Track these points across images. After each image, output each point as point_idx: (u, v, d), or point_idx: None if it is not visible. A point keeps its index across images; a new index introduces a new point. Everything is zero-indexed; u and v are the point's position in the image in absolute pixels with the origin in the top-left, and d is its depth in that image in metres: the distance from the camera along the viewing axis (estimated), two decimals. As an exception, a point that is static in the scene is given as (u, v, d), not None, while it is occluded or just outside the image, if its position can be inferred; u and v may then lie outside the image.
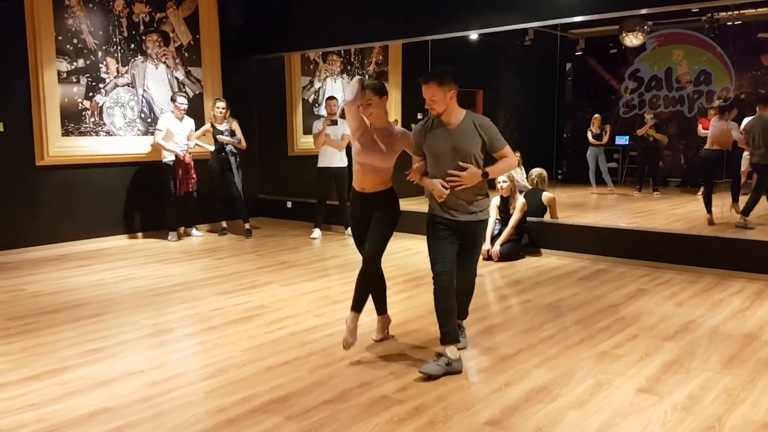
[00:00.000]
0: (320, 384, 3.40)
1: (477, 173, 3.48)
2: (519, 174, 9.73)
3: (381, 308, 4.12)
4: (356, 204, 3.94)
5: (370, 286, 3.90)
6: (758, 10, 9.87)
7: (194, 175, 7.74)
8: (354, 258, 7.15)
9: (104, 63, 7.64)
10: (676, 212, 9.35)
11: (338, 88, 10.19)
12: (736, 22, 10.49)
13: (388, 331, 4.16)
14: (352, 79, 7.95)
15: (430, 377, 3.41)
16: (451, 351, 3.53)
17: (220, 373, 3.58)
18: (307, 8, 8.68)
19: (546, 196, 7.16)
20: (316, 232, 8.03)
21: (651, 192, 11.35)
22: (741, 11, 9.54)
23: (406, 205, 4.12)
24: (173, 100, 7.79)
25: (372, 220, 3.82)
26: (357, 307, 3.84)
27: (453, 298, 3.59)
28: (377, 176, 3.82)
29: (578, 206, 10.06)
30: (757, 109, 7.98)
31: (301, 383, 3.41)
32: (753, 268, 5.66)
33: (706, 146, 8.40)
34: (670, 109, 12.00)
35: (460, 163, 3.47)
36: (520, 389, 3.32)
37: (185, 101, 7.82)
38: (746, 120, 8.24)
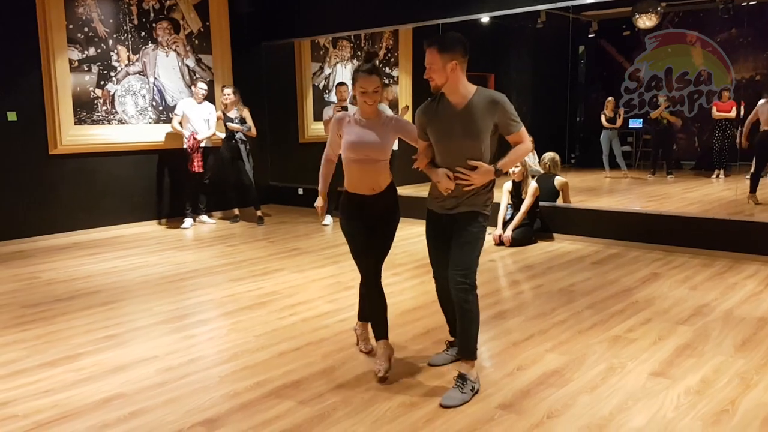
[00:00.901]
0: (333, 369, 3.42)
1: (489, 172, 2.99)
2: (531, 158, 9.68)
3: (382, 331, 3.41)
4: (355, 211, 3.38)
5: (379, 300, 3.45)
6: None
7: (200, 160, 7.75)
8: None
9: (115, 51, 7.65)
10: (690, 195, 9.25)
11: (348, 73, 10.15)
12: (751, 3, 10.32)
13: (391, 363, 3.35)
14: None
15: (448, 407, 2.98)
16: (465, 368, 3.09)
17: (234, 358, 3.60)
18: (316, -6, 8.64)
19: (558, 180, 7.11)
20: (328, 219, 8.04)
21: (665, 175, 11.26)
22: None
23: (415, 191, 4.02)
24: (194, 85, 7.96)
25: (380, 228, 3.36)
26: (363, 315, 3.69)
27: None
28: (379, 173, 3.33)
29: (592, 190, 9.99)
30: None
31: (313, 368, 3.43)
32: (767, 251, 5.61)
33: (763, 127, 8.29)
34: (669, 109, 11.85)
35: (470, 162, 2.98)
36: (532, 373, 3.32)
37: (205, 86, 7.91)
38: None
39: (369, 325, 3.56)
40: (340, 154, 3.46)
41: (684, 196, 9.21)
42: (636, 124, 12.57)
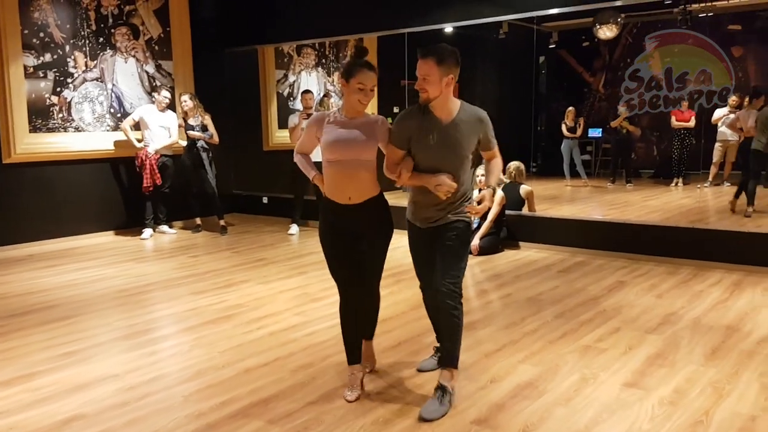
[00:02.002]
0: (302, 385, 3.32)
1: (487, 196, 3.10)
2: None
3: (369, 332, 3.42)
4: (337, 221, 3.10)
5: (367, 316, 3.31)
6: (729, 1, 10.00)
7: (157, 173, 7.57)
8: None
9: (72, 57, 7.43)
10: (651, 204, 9.42)
11: (313, 81, 10.07)
12: (708, 14, 10.61)
13: (373, 364, 3.47)
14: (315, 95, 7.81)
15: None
16: (446, 378, 3.03)
17: (198, 376, 3.47)
18: (279, 1, 8.54)
19: (524, 189, 7.14)
20: (294, 228, 7.92)
21: (624, 184, 11.45)
22: (713, 3, 9.64)
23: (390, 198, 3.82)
24: (157, 93, 7.81)
25: (367, 242, 3.12)
26: (354, 357, 3.24)
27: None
28: (364, 177, 3.05)
29: (553, 199, 10.09)
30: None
31: (282, 385, 3.33)
32: (730, 259, 5.71)
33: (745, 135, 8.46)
34: (670, 109, 11.96)
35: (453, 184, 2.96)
36: (506, 386, 3.27)
37: (168, 95, 7.77)
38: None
39: (361, 369, 3.24)
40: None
41: (645, 204, 9.36)
42: (595, 133, 12.78)
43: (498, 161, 3.19)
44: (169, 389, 3.30)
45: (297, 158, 3.33)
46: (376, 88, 3.04)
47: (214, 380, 3.41)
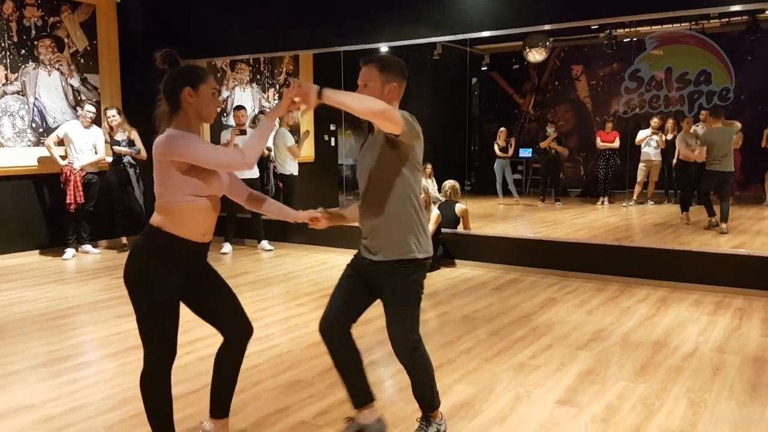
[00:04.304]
0: (233, 413, 3.18)
1: (307, 88, 2.43)
2: (431, 186, 9.80)
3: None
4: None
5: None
6: (652, 27, 10.46)
7: (80, 191, 7.26)
8: (268, 274, 6.95)
9: (-10, 68, 7.07)
10: (579, 221, 9.68)
11: (247, 97, 9.93)
12: (634, 39, 11.05)
13: None
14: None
15: None
16: (363, 416, 2.86)
17: (122, 404, 3.30)
18: (212, 15, 8.39)
19: (459, 207, 7.21)
20: (227, 247, 7.73)
21: (553, 202, 11.75)
22: (637, 29, 10.06)
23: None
24: (80, 107, 7.49)
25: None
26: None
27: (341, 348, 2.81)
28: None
29: (487, 217, 10.24)
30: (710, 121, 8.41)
31: (212, 411, 3.19)
32: (656, 276, 5.90)
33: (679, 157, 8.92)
34: (670, 109, 12.06)
35: (292, 80, 2.50)
36: (443, 406, 3.22)
37: (93, 110, 7.46)
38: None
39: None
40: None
41: (573, 222, 9.62)
42: (526, 153, 13.09)
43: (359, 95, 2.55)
44: (91, 419, 3.13)
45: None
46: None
47: (138, 409, 3.23)
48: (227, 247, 7.72)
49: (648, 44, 12.24)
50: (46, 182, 7.53)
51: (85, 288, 5.91)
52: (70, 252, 7.35)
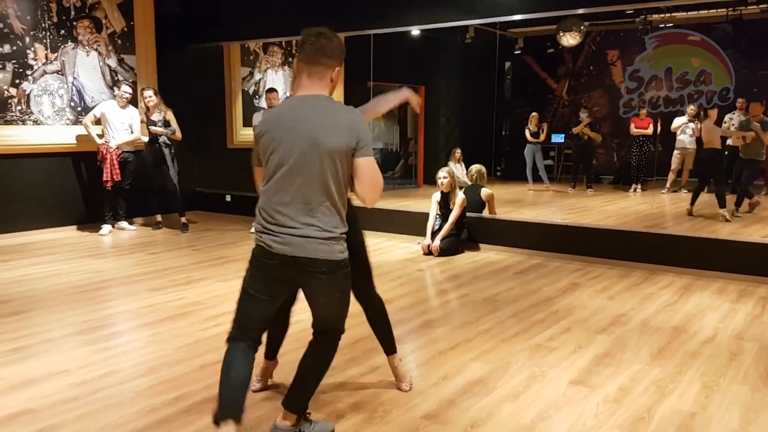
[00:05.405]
0: (258, 382, 3.33)
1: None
2: (459, 170, 9.84)
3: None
4: None
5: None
6: (688, 13, 10.27)
7: (117, 169, 7.48)
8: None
9: (32, 49, 7.29)
10: (608, 209, 9.62)
11: (279, 79, 10.05)
12: (668, 25, 10.87)
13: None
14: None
15: None
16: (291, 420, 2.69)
17: (152, 371, 3.46)
18: (246, -2, 8.52)
19: (485, 192, 7.24)
20: (255, 227, 7.89)
21: (585, 189, 11.66)
22: (672, 14, 9.90)
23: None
24: (117, 87, 7.70)
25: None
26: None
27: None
28: None
29: (516, 202, 10.24)
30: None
31: (236, 381, 3.33)
32: (681, 263, 5.87)
33: (706, 146, 8.65)
34: (670, 109, 12.00)
35: None
36: (457, 383, 3.34)
37: (129, 90, 7.64)
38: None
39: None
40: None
41: (603, 209, 9.56)
42: (558, 139, 12.99)
43: None
44: (121, 385, 3.29)
45: None
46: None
47: (167, 376, 3.41)
48: (257, 227, 7.88)
49: (648, 44, 12.13)
50: (84, 160, 7.77)
51: (119, 262, 6.12)
52: (106, 228, 7.59)
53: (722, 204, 8.00)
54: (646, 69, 12.52)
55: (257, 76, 9.79)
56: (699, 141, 10.21)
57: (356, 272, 2.70)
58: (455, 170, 8.34)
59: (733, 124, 8.91)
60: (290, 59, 10.22)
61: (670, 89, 12.14)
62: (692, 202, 8.42)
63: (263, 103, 9.07)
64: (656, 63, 12.21)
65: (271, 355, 3.23)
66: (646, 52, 12.33)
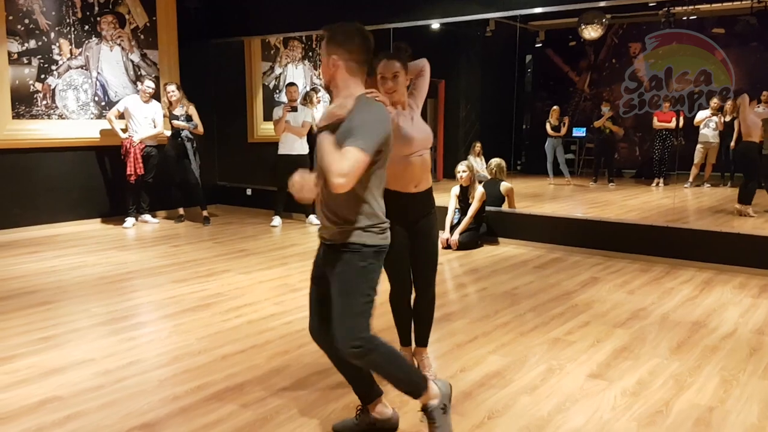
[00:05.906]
0: (277, 372, 3.39)
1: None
2: (478, 164, 9.83)
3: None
4: (401, 213, 2.96)
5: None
6: (712, 5, 10.14)
7: (140, 162, 7.59)
8: (314, 246, 7.14)
9: (57, 44, 7.42)
10: (630, 203, 9.55)
11: (299, 74, 10.11)
12: (691, 17, 10.75)
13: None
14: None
15: None
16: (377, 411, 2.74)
17: (175, 361, 3.53)
18: (267, -7, 8.57)
19: (504, 186, 7.24)
20: (276, 220, 7.97)
21: (606, 183, 11.58)
22: (696, 6, 9.78)
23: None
24: (140, 82, 7.82)
25: (425, 232, 3.12)
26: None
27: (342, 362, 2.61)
28: (425, 165, 3.10)
29: (536, 196, 10.20)
30: None
31: (257, 371, 3.39)
32: (702, 258, 5.83)
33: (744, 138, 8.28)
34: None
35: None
36: (475, 375, 3.36)
37: (152, 85, 7.74)
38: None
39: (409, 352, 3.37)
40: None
41: (624, 204, 9.50)
42: (579, 133, 12.90)
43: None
44: (145, 374, 3.36)
45: None
46: (400, 76, 3.04)
47: (190, 366, 3.47)
48: (277, 220, 7.95)
49: (648, 44, 12.01)
50: (108, 154, 7.90)
51: (143, 254, 6.23)
52: (130, 221, 7.71)
53: (748, 200, 7.82)
54: (646, 69, 12.46)
55: (277, 70, 9.86)
56: (722, 135, 10.12)
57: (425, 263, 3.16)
58: (475, 164, 8.33)
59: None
60: (310, 54, 10.27)
61: (671, 89, 12.10)
62: (747, 201, 7.98)
63: (284, 98, 9.12)
64: (656, 63, 12.15)
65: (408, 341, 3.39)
66: (646, 52, 12.26)
